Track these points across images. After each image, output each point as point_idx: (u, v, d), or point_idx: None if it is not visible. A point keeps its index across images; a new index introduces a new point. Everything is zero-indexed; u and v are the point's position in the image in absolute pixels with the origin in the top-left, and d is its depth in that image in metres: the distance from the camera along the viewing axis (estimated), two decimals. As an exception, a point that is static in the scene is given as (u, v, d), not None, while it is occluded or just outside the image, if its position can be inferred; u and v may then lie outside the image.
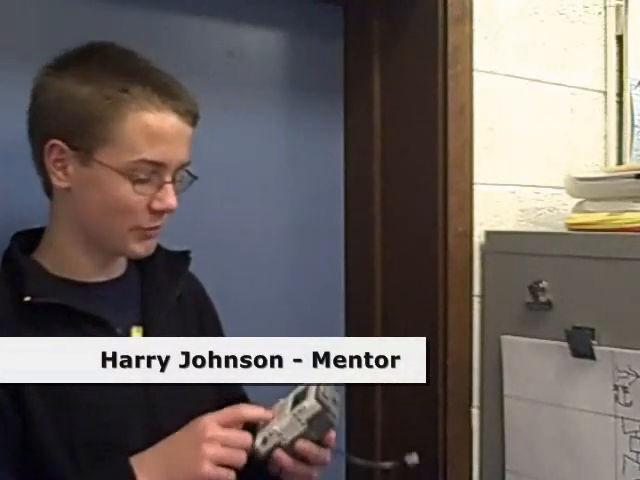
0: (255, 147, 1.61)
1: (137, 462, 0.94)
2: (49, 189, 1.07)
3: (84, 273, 1.07)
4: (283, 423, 0.99)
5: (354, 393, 1.72)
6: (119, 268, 1.13)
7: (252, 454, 0.98)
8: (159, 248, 1.17)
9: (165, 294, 1.12)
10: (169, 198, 1.02)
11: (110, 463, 0.95)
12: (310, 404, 0.98)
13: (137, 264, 1.15)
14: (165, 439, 0.97)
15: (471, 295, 1.56)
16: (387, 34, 1.64)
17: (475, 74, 1.56)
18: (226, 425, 0.96)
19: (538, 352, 1.44)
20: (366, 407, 1.69)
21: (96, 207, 1.02)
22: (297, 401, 1.01)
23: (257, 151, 1.61)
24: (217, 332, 1.25)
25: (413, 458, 1.04)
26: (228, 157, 1.57)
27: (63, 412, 0.97)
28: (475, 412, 1.57)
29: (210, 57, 1.54)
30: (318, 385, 1.00)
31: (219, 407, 1.00)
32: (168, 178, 1.02)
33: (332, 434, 1.03)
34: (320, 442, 1.01)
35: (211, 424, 0.95)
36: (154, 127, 0.99)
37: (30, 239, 1.09)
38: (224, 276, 1.56)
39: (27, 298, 0.98)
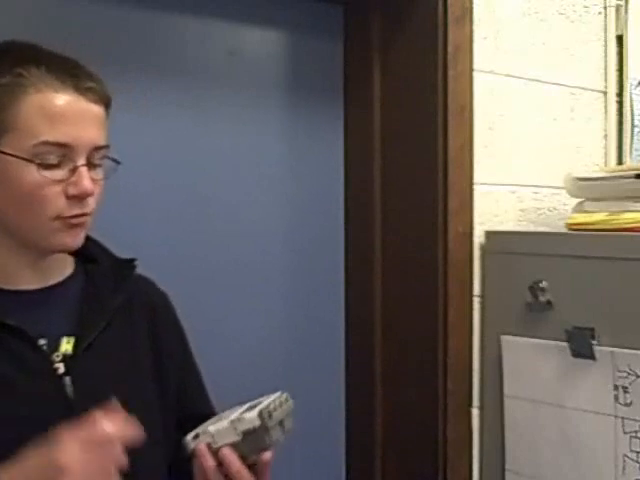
0: (255, 147, 1.61)
1: None
2: None
3: (16, 280, 0.99)
4: (219, 427, 0.94)
5: (354, 393, 1.73)
6: (58, 273, 1.04)
7: (183, 445, 0.94)
8: (107, 254, 1.10)
9: (105, 303, 1.04)
10: (83, 181, 0.94)
11: None
12: (250, 417, 0.93)
13: (84, 269, 1.07)
14: (20, 462, 0.83)
15: (471, 295, 1.56)
16: (387, 34, 1.64)
17: (475, 74, 1.56)
18: (90, 443, 0.83)
19: (538, 352, 1.44)
20: (366, 407, 1.69)
21: (12, 201, 0.95)
22: (246, 411, 0.95)
23: (257, 151, 1.61)
24: (177, 354, 1.14)
25: None
26: (228, 157, 1.57)
27: None
28: (475, 412, 1.57)
29: (210, 57, 1.54)
30: (272, 402, 0.94)
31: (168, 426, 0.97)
32: (81, 161, 0.95)
33: (265, 457, 0.95)
34: (249, 462, 0.94)
35: (68, 447, 0.82)
36: (52, 107, 0.93)
37: None
38: (223, 275, 1.57)
39: None
